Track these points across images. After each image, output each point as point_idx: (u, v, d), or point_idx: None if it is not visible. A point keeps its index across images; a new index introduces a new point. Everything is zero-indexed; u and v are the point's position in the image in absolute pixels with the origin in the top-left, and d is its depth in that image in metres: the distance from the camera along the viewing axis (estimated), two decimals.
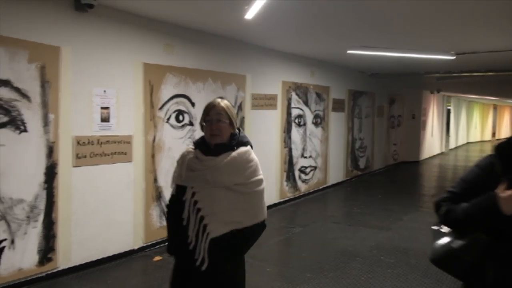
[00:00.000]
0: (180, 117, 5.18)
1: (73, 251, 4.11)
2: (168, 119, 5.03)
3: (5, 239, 3.56)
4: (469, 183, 1.73)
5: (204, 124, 2.20)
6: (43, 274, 3.87)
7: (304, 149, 7.92)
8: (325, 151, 8.68)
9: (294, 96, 7.50)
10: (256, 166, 2.21)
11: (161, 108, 4.92)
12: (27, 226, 3.70)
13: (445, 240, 1.69)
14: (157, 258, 4.64)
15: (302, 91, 7.73)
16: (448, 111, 18.39)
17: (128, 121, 4.54)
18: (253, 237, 2.16)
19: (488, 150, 20.39)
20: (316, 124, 8.27)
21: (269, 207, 6.90)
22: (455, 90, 15.65)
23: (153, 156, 4.85)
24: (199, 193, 2.08)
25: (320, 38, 6.03)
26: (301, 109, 7.74)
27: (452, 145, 19.49)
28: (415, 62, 7.99)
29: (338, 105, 9.12)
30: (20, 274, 3.68)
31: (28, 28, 3.66)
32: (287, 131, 7.38)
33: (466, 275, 1.67)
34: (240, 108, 6.18)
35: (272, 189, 7.06)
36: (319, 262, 4.59)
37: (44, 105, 3.78)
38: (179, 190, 2.14)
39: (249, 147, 2.24)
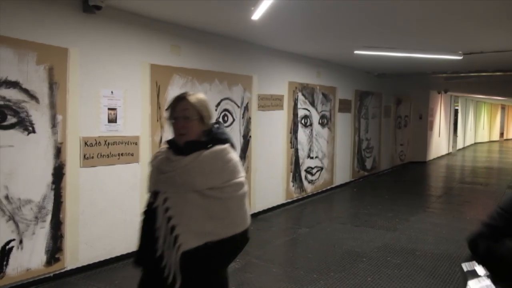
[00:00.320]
0: None
1: (80, 251, 4.13)
2: None
3: (13, 239, 3.59)
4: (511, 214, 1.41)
5: (172, 121, 1.94)
6: (51, 274, 3.90)
7: (310, 150, 7.91)
8: (331, 151, 8.66)
9: (300, 97, 7.49)
10: (235, 167, 1.89)
11: (168, 109, 4.93)
12: (35, 226, 3.73)
13: (483, 285, 1.40)
14: None
15: (308, 91, 7.72)
16: (456, 111, 18.28)
17: (135, 122, 4.57)
18: (232, 251, 1.87)
19: (496, 150, 20.23)
20: (322, 124, 8.26)
21: (275, 207, 6.90)
22: (462, 90, 15.55)
23: None
24: (171, 199, 1.84)
25: (327, 38, 6.02)
26: (307, 110, 7.73)
27: (459, 145, 19.37)
28: (422, 62, 7.95)
29: (344, 106, 9.10)
30: (28, 274, 3.71)
31: (36, 30, 3.69)
32: (294, 131, 7.38)
33: None
34: (246, 108, 6.19)
35: (279, 190, 7.06)
36: (326, 263, 4.58)
37: (52, 106, 3.81)
38: (153, 196, 1.95)
39: (227, 145, 1.92)
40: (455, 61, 7.33)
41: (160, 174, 1.91)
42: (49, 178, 3.82)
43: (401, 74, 10.63)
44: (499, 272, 1.38)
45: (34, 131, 3.68)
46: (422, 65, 8.59)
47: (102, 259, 4.34)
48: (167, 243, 1.79)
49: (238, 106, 6.03)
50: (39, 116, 3.71)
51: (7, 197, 3.53)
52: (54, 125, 3.82)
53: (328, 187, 8.63)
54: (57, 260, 3.92)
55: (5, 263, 3.54)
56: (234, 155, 1.92)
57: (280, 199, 7.09)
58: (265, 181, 6.66)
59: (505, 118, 28.44)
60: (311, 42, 6.36)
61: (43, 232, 3.79)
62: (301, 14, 4.56)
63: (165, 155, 1.95)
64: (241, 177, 1.91)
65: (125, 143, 4.46)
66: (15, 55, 3.52)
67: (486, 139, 25.30)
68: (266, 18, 4.41)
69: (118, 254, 4.49)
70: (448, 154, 17.05)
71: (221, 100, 5.71)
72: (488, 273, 1.42)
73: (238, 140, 6.05)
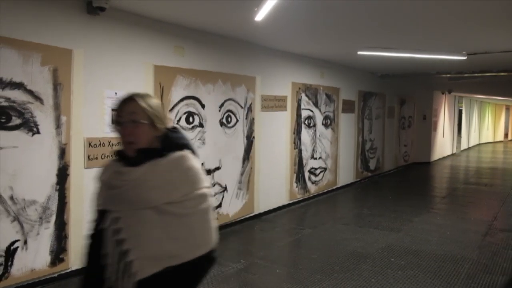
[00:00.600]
0: (190, 119, 5.20)
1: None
2: (178, 120, 5.06)
3: (18, 240, 3.61)
4: None
5: (118, 127, 1.66)
6: (55, 275, 3.92)
7: (314, 151, 7.90)
8: (335, 152, 8.66)
9: (304, 98, 7.49)
10: (196, 177, 1.62)
11: (171, 109, 4.95)
12: (39, 227, 3.75)
13: None
14: None
15: (312, 92, 7.72)
16: (460, 112, 18.21)
17: None
18: (196, 276, 1.60)
19: (500, 151, 20.13)
20: (326, 125, 8.25)
21: (279, 208, 6.90)
22: (466, 91, 15.50)
23: None
24: (123, 219, 1.55)
25: (330, 39, 6.02)
26: (311, 111, 7.73)
27: (463, 146, 19.30)
28: (426, 63, 7.94)
29: (348, 106, 9.09)
30: (32, 275, 3.73)
31: (41, 32, 3.71)
32: (297, 132, 7.38)
33: None
34: (250, 109, 6.20)
35: (282, 190, 7.06)
36: (329, 264, 4.58)
37: (57, 107, 3.82)
38: (99, 216, 1.65)
39: (186, 151, 1.65)
40: (459, 62, 7.31)
41: (109, 190, 1.63)
42: (53, 179, 3.84)
43: (405, 75, 10.61)
44: None
45: (38, 132, 3.69)
46: (426, 66, 8.57)
47: None
48: (119, 271, 1.53)
49: (242, 107, 6.04)
50: (44, 117, 3.73)
51: (12, 198, 3.54)
52: (58, 126, 3.84)
53: (332, 188, 8.62)
54: (62, 260, 3.93)
55: (10, 263, 3.56)
56: (195, 163, 1.64)
57: (283, 200, 7.09)
58: (269, 182, 6.66)
59: (510, 118, 28.31)
60: (314, 43, 6.36)
61: (47, 232, 3.81)
62: (305, 15, 4.56)
63: (114, 168, 1.68)
64: (204, 187, 1.64)
65: None
66: (19, 56, 3.54)
67: (490, 140, 25.19)
68: (270, 19, 4.42)
69: None
70: (452, 154, 16.99)
71: (225, 101, 5.72)
72: None
73: (241, 141, 6.06)
